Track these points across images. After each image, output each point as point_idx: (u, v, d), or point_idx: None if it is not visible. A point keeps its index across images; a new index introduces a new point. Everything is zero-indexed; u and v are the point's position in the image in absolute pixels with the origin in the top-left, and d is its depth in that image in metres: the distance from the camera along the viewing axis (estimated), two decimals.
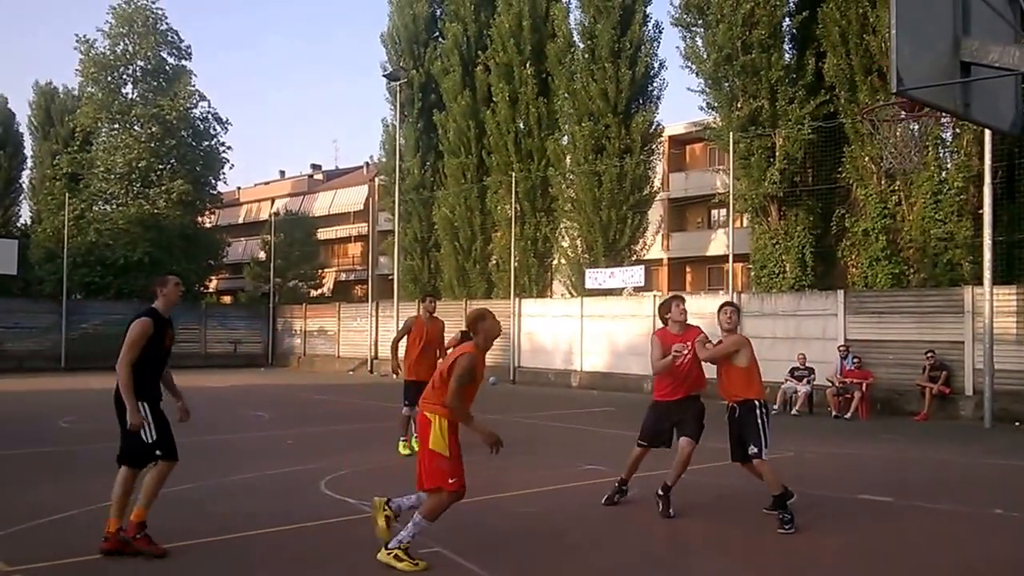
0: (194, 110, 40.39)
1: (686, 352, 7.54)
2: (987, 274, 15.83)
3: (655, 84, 26.88)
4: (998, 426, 15.40)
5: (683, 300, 8.03)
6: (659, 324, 8.18)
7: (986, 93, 6.20)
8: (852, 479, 9.79)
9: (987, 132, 15.72)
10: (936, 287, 18.33)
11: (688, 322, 7.87)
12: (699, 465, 8.34)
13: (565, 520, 7.77)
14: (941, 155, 18.89)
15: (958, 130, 18.30)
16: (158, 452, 6.34)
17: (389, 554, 5.89)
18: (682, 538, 7.06)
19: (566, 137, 27.85)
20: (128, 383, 6.35)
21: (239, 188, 62.91)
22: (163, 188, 38.40)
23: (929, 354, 16.80)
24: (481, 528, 7.38)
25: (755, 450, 7.31)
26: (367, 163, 55.76)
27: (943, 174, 18.71)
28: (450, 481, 5.88)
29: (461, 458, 6.04)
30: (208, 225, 44.64)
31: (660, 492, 7.72)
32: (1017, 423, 15.54)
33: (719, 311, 7.84)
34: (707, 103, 23.08)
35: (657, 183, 28.97)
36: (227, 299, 54.60)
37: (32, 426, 14.88)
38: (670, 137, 34.21)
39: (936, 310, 17.46)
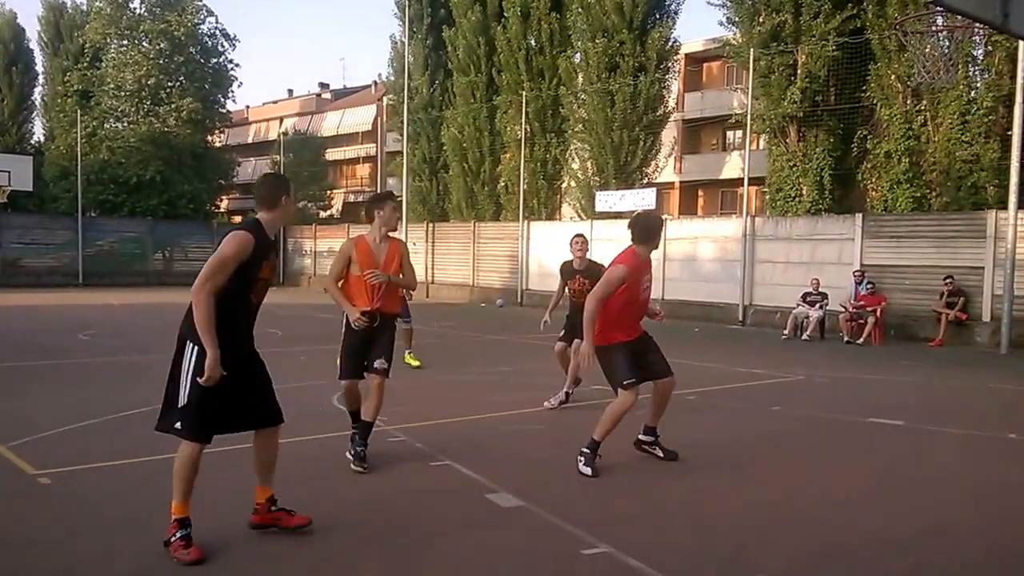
0: (202, 26, 40.28)
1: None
2: (1012, 198, 15.43)
3: None
4: (1015, 352, 15.21)
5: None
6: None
7: None
8: (863, 403, 9.61)
9: (1021, 49, 15.18)
10: (958, 211, 17.93)
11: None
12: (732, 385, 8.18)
13: (569, 435, 7.64)
14: (971, 73, 18.27)
15: (990, 47, 17.72)
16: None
17: None
18: (688, 455, 6.92)
19: (579, 55, 27.17)
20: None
21: (248, 107, 62.42)
22: (173, 106, 38.58)
23: (948, 279, 16.53)
24: (489, 443, 7.36)
25: None
26: (375, 82, 55.02)
27: (972, 93, 18.14)
28: None
29: None
30: (218, 144, 44.74)
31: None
32: None
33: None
34: (727, 18, 22.38)
35: (671, 103, 28.32)
36: (238, 219, 54.39)
37: (53, 339, 14.97)
38: (686, 55, 33.32)
39: (957, 235, 17.12)
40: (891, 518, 5.28)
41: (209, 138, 42.16)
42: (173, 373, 4.48)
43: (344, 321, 6.44)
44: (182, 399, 4.42)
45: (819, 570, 4.48)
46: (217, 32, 40.84)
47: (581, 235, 9.42)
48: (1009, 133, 16.16)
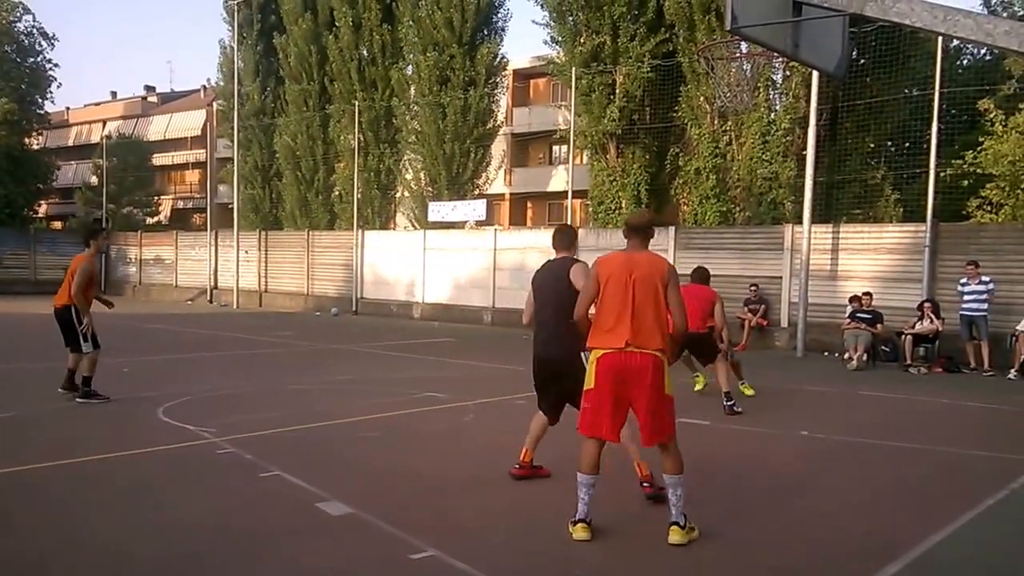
0: (18, 24, 38.50)
1: None
2: (807, 213, 16.91)
3: (500, 15, 26.86)
4: (809, 355, 16.63)
5: None
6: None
7: (815, 35, 6.59)
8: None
9: (815, 76, 16.58)
10: (759, 225, 19.27)
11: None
12: None
13: (403, 442, 7.98)
14: (771, 97, 19.66)
15: (788, 72, 19.07)
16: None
17: (686, 532, 5.06)
18: (512, 454, 7.37)
19: (411, 67, 27.51)
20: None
21: (68, 109, 59.25)
22: None
23: (753, 287, 17.92)
24: (323, 452, 7.47)
25: None
26: (204, 86, 53.46)
27: (772, 115, 19.50)
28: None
29: None
30: (36, 147, 42.51)
31: None
32: (826, 352, 16.75)
33: None
34: (551, 37, 23.18)
35: (501, 117, 29.11)
36: (58, 225, 51.72)
37: None
38: (514, 71, 34.28)
39: (758, 247, 18.51)
40: (700, 506, 5.58)
41: (26, 140, 40.18)
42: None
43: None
44: None
45: (636, 566, 4.86)
46: (35, 31, 39.10)
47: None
48: (804, 153, 17.58)
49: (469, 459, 7.35)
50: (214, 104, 42.38)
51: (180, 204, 53.17)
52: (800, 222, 17.33)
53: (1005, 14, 21.70)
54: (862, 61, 18.54)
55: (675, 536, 5.02)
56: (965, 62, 22.79)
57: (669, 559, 4.93)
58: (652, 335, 5.07)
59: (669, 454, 5.15)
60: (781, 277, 18.08)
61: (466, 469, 6.98)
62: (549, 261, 6.35)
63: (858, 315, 15.40)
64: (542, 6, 22.95)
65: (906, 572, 4.82)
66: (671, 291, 5.14)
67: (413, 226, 28.07)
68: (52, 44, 39.69)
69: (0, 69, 37.43)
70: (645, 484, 6.02)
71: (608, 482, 5.93)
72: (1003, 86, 18.51)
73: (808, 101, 17.45)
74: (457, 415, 9.40)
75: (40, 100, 39.90)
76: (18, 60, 38.50)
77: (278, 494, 6.06)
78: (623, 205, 22.24)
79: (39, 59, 39.26)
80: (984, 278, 14.62)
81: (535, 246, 22.52)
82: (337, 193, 30.17)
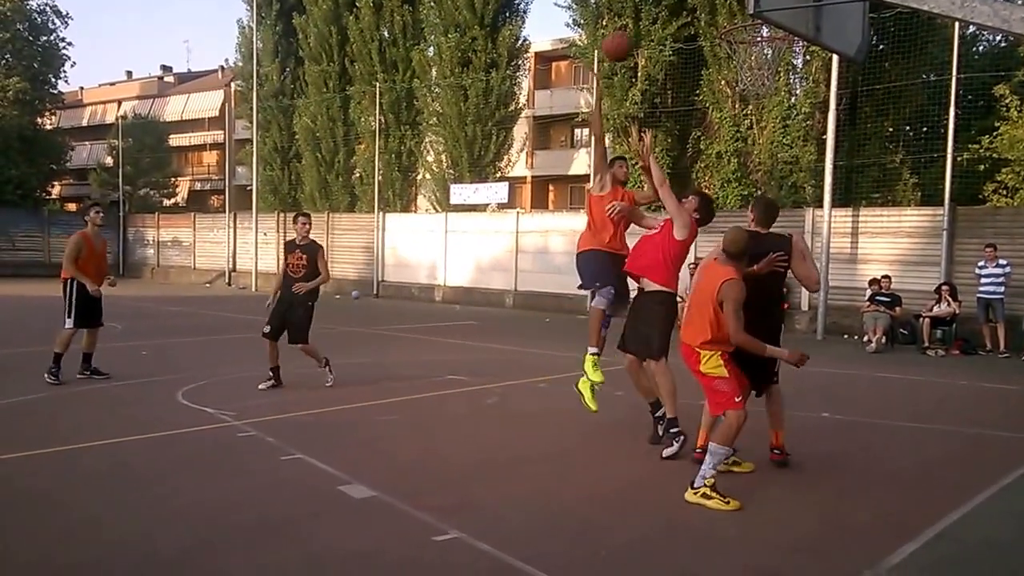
0: (30, 2, 38.38)
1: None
2: (827, 197, 16.86)
3: None
4: (829, 338, 16.65)
5: None
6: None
7: (836, 19, 6.58)
8: (691, 389, 10.32)
9: (835, 60, 16.56)
10: (780, 208, 19.21)
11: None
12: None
13: (425, 425, 8.02)
14: (791, 81, 19.56)
15: (808, 57, 19.00)
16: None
17: (696, 493, 5.50)
18: (537, 439, 7.40)
19: (432, 48, 27.42)
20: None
21: (82, 88, 59.41)
22: None
23: None
24: (342, 435, 7.54)
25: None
26: (222, 67, 53.48)
27: (792, 100, 19.42)
28: (736, 400, 5.64)
29: (738, 375, 5.82)
30: (49, 127, 42.51)
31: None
32: (845, 335, 16.77)
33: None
34: (573, 19, 23.08)
35: (523, 99, 29.00)
36: (72, 206, 52.01)
37: None
38: (536, 53, 34.15)
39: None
40: (738, 493, 5.59)
41: (39, 120, 40.16)
42: None
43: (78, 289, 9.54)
44: None
45: (660, 545, 4.91)
46: (47, 9, 39.02)
47: (307, 214, 10.30)
48: (824, 137, 17.53)
49: (492, 442, 7.38)
50: (232, 85, 42.43)
51: (198, 185, 53.35)
52: (820, 206, 17.28)
53: (1021, 2, 21.43)
54: (881, 47, 18.44)
55: (687, 493, 5.55)
56: (981, 48, 22.58)
57: (692, 538, 5.00)
58: (696, 333, 5.84)
59: (716, 424, 5.86)
60: None
61: (489, 452, 7.02)
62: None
63: (877, 298, 15.47)
64: None
65: (925, 549, 4.88)
66: (724, 307, 5.67)
67: (435, 208, 28.05)
68: (66, 23, 39.60)
69: (12, 48, 37.42)
70: (775, 451, 6.64)
71: (648, 461, 5.98)
72: (1018, 72, 18.34)
73: (828, 86, 17.43)
74: (479, 398, 9.45)
75: (53, 79, 39.77)
76: (31, 38, 38.40)
77: (300, 477, 6.11)
78: (645, 188, 22.08)
79: (52, 38, 39.15)
80: (1001, 261, 14.70)
81: (557, 229, 22.55)
82: (357, 175, 30.15)
